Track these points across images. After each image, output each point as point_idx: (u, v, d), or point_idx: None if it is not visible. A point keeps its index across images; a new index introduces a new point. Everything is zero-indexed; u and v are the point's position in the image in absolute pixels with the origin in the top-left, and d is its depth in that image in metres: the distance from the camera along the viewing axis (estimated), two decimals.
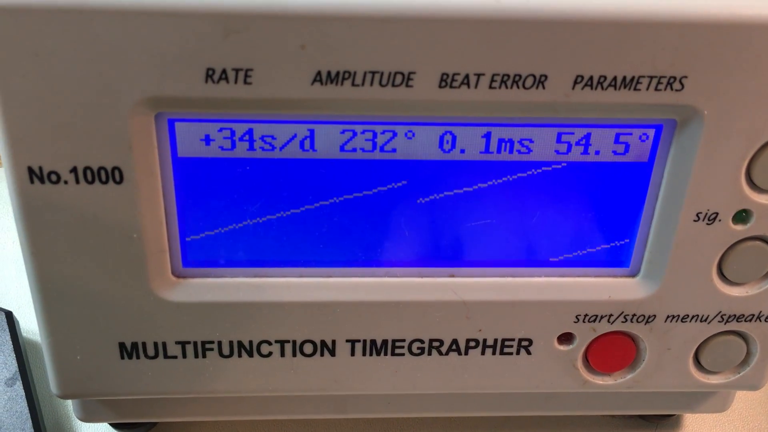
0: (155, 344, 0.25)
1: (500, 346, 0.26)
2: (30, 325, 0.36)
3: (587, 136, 0.23)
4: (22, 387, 0.31)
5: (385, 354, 0.26)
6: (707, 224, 0.24)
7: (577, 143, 0.23)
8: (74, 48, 0.20)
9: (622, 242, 0.25)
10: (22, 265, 0.24)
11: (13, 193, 0.22)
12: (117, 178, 0.22)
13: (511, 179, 0.24)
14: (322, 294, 0.25)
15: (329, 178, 0.24)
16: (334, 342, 0.26)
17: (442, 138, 0.23)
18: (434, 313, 0.26)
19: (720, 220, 0.24)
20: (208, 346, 0.26)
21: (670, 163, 0.24)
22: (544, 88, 0.21)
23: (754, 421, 0.34)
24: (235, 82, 0.21)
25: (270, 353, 0.26)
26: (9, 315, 0.34)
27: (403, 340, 0.26)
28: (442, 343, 0.26)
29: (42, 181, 0.22)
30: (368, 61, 0.21)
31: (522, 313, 0.26)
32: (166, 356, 0.26)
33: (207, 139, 0.23)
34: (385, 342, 0.26)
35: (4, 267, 0.40)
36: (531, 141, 0.23)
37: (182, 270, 0.25)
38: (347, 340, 0.26)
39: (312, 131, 0.23)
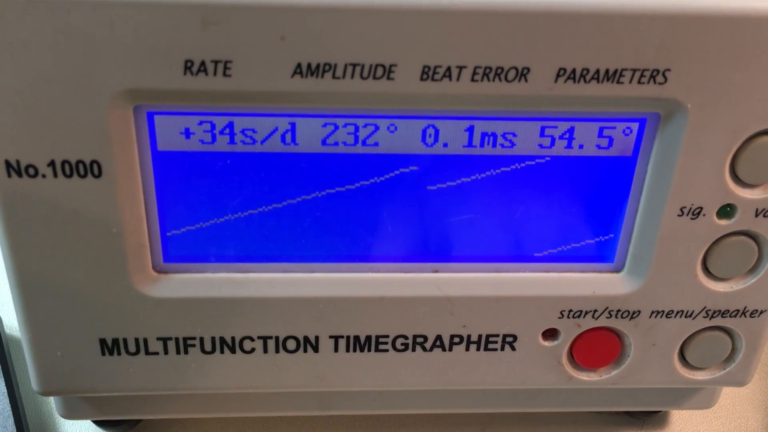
0: (136, 340, 0.25)
1: (485, 342, 0.26)
2: (14, 321, 0.36)
3: (571, 130, 0.23)
4: (4, 384, 0.31)
5: (369, 350, 0.26)
6: (691, 219, 0.24)
7: (561, 137, 0.23)
8: (51, 40, 0.20)
9: (607, 237, 0.25)
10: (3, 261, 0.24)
11: None
12: (96, 171, 0.22)
13: (494, 173, 0.24)
14: (305, 289, 0.25)
15: (311, 172, 0.23)
16: (317, 338, 0.26)
17: (424, 132, 0.23)
18: (418, 309, 0.25)
19: (704, 215, 0.24)
20: (189, 342, 0.25)
21: (654, 158, 0.23)
22: (526, 81, 0.21)
23: (740, 417, 0.34)
24: (215, 74, 0.21)
25: (252, 349, 0.26)
26: None
27: (387, 336, 0.26)
28: (426, 339, 0.26)
29: (19, 174, 0.22)
30: (349, 53, 0.21)
31: (506, 309, 0.25)
32: (147, 352, 0.25)
33: (187, 133, 0.22)
34: (368, 338, 0.26)
35: None
36: (514, 135, 0.23)
37: (163, 265, 0.25)
38: (330, 336, 0.26)
39: (293, 125, 0.23)
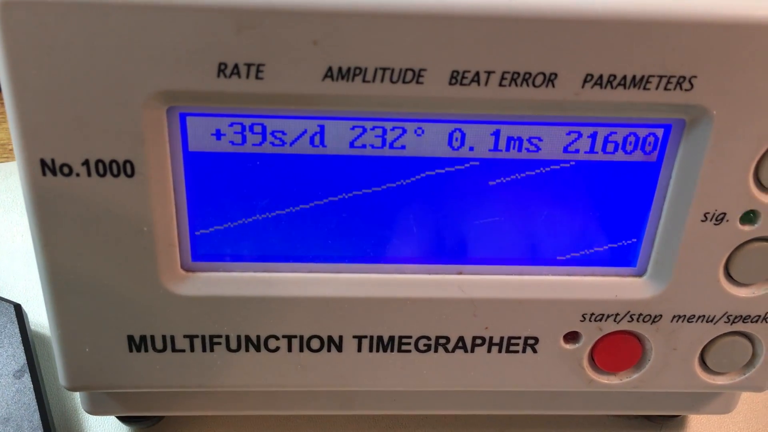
0: (164, 337, 0.26)
1: (506, 344, 0.26)
2: (38, 317, 0.36)
3: (596, 135, 0.23)
4: (30, 379, 0.31)
5: (392, 350, 0.26)
6: (715, 224, 0.24)
7: (586, 142, 0.23)
8: (88, 42, 0.20)
9: (630, 242, 0.25)
10: (30, 258, 0.24)
11: (25, 185, 0.22)
12: (128, 171, 0.22)
13: (519, 177, 0.24)
14: (330, 290, 0.25)
15: (338, 174, 0.24)
16: (341, 338, 0.26)
17: (451, 135, 0.23)
18: (441, 310, 0.26)
19: (727, 221, 0.24)
20: (215, 340, 0.26)
21: (679, 163, 0.24)
22: (553, 86, 0.22)
23: (759, 422, 0.34)
24: (247, 77, 0.21)
25: (277, 348, 0.26)
26: (18, 307, 0.34)
27: (410, 337, 0.26)
28: (448, 340, 0.26)
29: (54, 173, 0.22)
30: (379, 57, 0.21)
31: (529, 312, 0.26)
32: (174, 350, 0.26)
33: (218, 134, 0.23)
34: (391, 338, 0.26)
35: (13, 260, 0.40)
36: (540, 139, 0.23)
37: (191, 264, 0.25)
38: (354, 336, 0.26)
39: (322, 127, 0.23)
